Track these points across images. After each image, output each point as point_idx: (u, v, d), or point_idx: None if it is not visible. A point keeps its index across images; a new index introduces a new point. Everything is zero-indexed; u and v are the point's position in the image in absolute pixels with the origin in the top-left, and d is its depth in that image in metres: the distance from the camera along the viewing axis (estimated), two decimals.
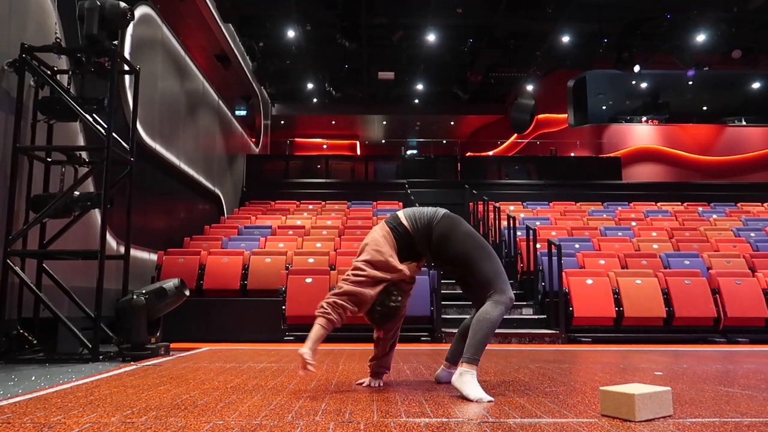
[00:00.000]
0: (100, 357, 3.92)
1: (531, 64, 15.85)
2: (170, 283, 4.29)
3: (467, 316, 2.91)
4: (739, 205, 12.04)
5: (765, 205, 11.96)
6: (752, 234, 8.83)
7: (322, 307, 2.53)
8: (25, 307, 4.32)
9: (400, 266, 2.59)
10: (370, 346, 2.87)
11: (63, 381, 2.91)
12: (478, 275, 2.57)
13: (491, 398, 2.35)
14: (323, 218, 10.35)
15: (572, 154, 17.16)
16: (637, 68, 13.97)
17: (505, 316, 2.56)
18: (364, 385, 2.73)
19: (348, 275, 2.59)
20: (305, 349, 2.43)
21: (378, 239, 2.62)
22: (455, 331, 2.92)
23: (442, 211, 2.68)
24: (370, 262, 2.57)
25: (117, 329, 4.31)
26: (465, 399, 2.34)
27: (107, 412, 2.05)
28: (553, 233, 8.67)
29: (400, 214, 2.70)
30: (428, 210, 2.69)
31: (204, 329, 5.99)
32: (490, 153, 20.25)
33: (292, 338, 5.80)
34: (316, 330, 2.49)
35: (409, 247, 2.63)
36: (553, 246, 6.27)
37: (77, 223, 4.60)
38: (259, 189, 13.39)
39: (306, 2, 12.20)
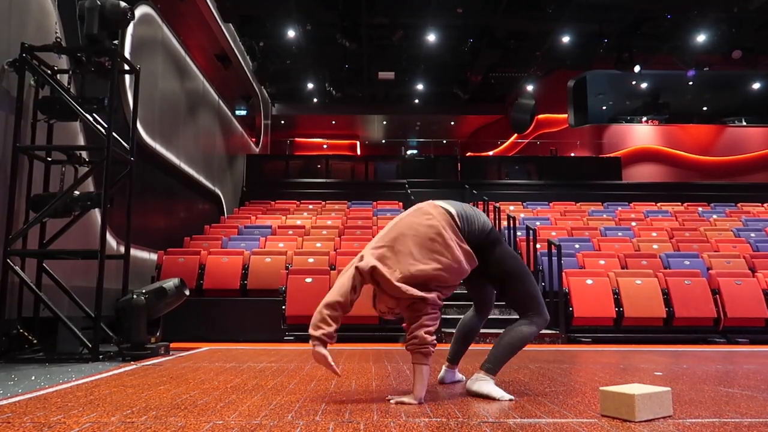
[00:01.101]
0: (100, 357, 3.92)
1: (531, 64, 15.85)
2: (170, 283, 4.29)
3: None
4: (739, 205, 12.04)
5: (765, 205, 11.96)
6: (752, 234, 8.83)
7: (424, 344, 2.22)
8: (25, 307, 4.32)
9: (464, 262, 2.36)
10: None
11: (63, 381, 2.91)
12: (519, 296, 2.50)
13: (510, 396, 2.36)
14: (323, 218, 10.35)
15: (572, 154, 17.16)
16: (637, 68, 13.97)
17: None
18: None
19: (428, 299, 2.24)
20: (420, 397, 2.22)
21: (448, 239, 2.30)
22: (455, 331, 2.93)
23: (489, 222, 2.54)
24: (441, 276, 2.27)
25: (117, 329, 4.31)
26: (488, 398, 2.34)
27: (107, 411, 2.05)
28: (553, 233, 8.67)
29: (448, 206, 2.47)
30: (478, 214, 2.51)
31: (204, 329, 5.99)
32: (491, 153, 20.25)
33: (292, 338, 5.81)
34: (425, 372, 2.25)
35: None
36: (553, 246, 6.27)
37: (77, 222, 4.60)
38: (259, 189, 13.39)
39: (306, 2, 12.20)
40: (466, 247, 2.36)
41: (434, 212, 2.42)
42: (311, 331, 2.29)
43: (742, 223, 9.96)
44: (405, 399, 2.24)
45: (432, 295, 2.25)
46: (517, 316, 2.58)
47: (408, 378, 3.03)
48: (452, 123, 21.85)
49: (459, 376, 2.86)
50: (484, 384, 2.40)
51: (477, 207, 10.57)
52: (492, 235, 2.48)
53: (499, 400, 2.31)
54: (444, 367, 2.86)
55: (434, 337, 2.26)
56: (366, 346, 5.02)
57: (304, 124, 21.18)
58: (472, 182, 12.69)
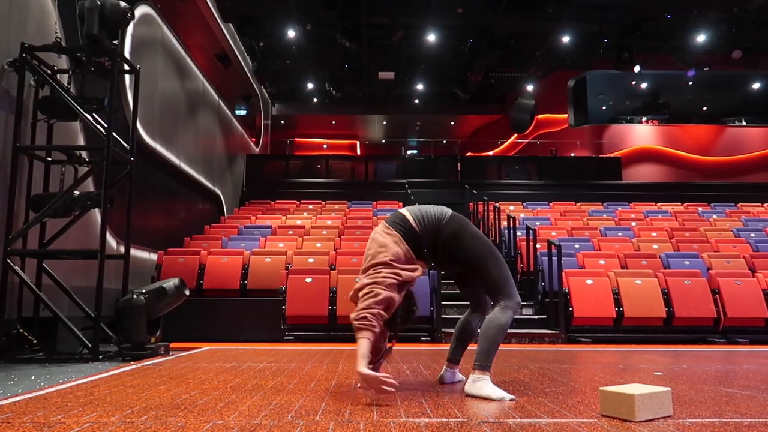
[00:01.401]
0: (100, 356, 3.92)
1: (531, 64, 15.85)
2: (170, 283, 4.29)
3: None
4: (739, 205, 12.04)
5: (765, 205, 11.95)
6: (752, 234, 8.83)
7: (366, 318, 2.32)
8: (25, 307, 4.32)
9: (418, 264, 2.53)
10: None
11: (63, 380, 2.91)
12: (488, 279, 2.54)
13: (512, 396, 2.36)
14: (323, 218, 10.35)
15: (572, 154, 17.16)
16: (637, 68, 13.97)
17: None
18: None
19: (377, 278, 2.40)
20: (364, 369, 2.24)
21: (388, 243, 2.49)
22: (453, 330, 2.95)
23: (448, 210, 2.62)
24: (393, 264, 2.44)
25: (117, 329, 4.31)
26: (488, 399, 2.34)
27: (107, 411, 2.05)
28: (553, 233, 8.67)
29: (405, 212, 2.60)
30: (435, 209, 2.61)
31: (204, 329, 5.99)
32: (490, 153, 20.25)
33: (291, 338, 5.81)
34: (365, 345, 2.29)
35: (414, 246, 2.53)
36: (553, 246, 6.27)
37: (77, 222, 4.60)
38: (259, 189, 13.38)
39: (306, 2, 12.20)
40: (406, 247, 2.50)
41: (377, 230, 2.60)
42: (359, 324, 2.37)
43: (742, 223, 9.96)
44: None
45: (386, 275, 2.38)
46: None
47: (409, 378, 3.03)
48: (452, 123, 21.85)
49: (459, 376, 2.86)
50: (483, 385, 2.41)
51: (477, 207, 10.53)
52: (452, 222, 2.54)
53: (499, 401, 2.32)
54: (444, 367, 2.86)
55: (373, 313, 2.32)
56: None
57: (304, 124, 21.18)
58: (472, 182, 12.69)
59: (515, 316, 2.61)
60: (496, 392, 2.36)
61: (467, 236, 2.54)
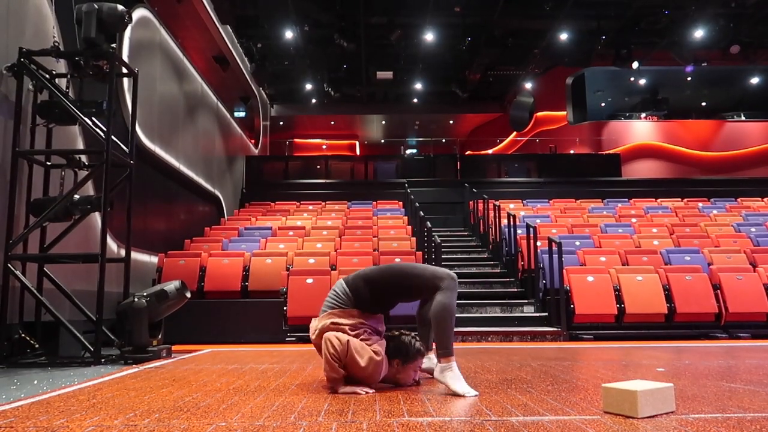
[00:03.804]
0: (102, 360, 3.93)
1: (529, 62, 15.84)
2: (171, 286, 4.29)
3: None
4: (739, 200, 12.03)
5: (765, 199, 11.95)
6: (753, 229, 8.83)
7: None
8: (26, 311, 4.32)
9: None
10: None
11: (65, 384, 2.91)
12: (417, 287, 2.72)
13: (475, 393, 2.44)
14: (323, 219, 10.35)
15: (572, 152, 17.16)
16: (635, 65, 13.96)
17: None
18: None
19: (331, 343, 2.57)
20: (342, 390, 2.53)
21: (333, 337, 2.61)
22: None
23: (340, 280, 2.79)
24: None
25: (118, 332, 4.31)
26: (453, 395, 2.41)
27: (110, 415, 2.05)
28: (554, 231, 8.67)
29: (324, 316, 2.71)
30: (331, 292, 2.77)
31: (205, 331, 5.99)
32: (490, 151, 20.24)
33: (293, 339, 5.81)
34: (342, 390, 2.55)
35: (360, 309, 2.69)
36: (553, 243, 6.27)
37: (77, 226, 4.60)
38: (259, 190, 13.39)
39: (304, 3, 12.19)
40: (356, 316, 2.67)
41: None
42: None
43: (742, 218, 9.95)
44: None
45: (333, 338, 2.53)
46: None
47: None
48: (451, 122, 21.84)
49: (434, 360, 2.88)
50: (451, 374, 2.49)
51: (476, 205, 10.51)
52: (353, 284, 2.71)
53: (464, 396, 2.39)
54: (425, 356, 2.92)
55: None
56: None
57: (303, 124, 21.17)
58: (471, 181, 12.69)
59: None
60: (462, 388, 2.44)
61: (374, 279, 2.71)
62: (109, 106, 4.32)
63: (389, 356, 2.63)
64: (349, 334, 2.57)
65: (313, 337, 2.69)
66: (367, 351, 2.52)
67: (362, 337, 2.58)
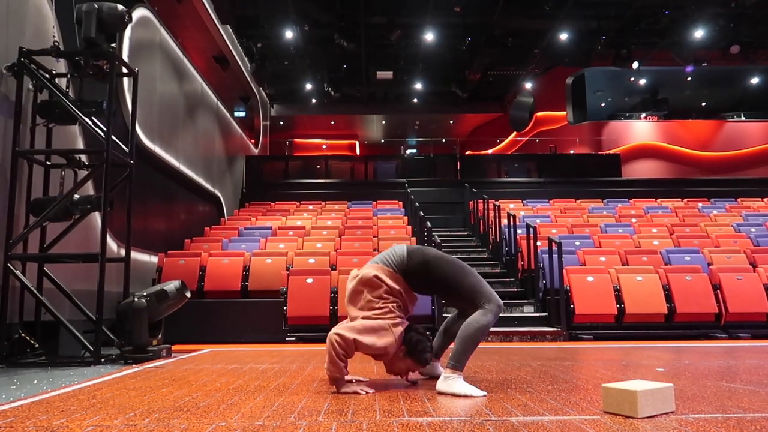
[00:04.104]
0: (102, 360, 3.93)
1: (529, 62, 15.83)
2: (171, 285, 4.29)
3: None
4: (739, 200, 12.04)
5: (765, 200, 11.95)
6: (752, 229, 8.83)
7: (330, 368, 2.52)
8: (26, 311, 4.32)
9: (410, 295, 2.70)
10: None
11: (65, 384, 2.91)
12: (465, 292, 2.65)
13: (483, 393, 2.41)
14: (323, 218, 10.35)
15: (572, 152, 17.16)
16: (635, 65, 13.96)
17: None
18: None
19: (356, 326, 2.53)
20: (344, 389, 2.53)
21: (383, 277, 2.61)
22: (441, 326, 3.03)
23: (403, 246, 2.74)
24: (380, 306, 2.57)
25: (118, 332, 4.31)
26: (459, 396, 2.39)
27: (110, 414, 2.05)
28: (554, 231, 8.67)
29: (369, 264, 2.70)
30: (389, 252, 2.73)
31: (205, 331, 5.99)
32: (490, 151, 20.25)
33: (293, 339, 5.80)
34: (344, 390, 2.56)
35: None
36: (553, 243, 6.27)
37: (77, 226, 4.60)
38: (259, 190, 13.39)
39: (304, 3, 12.18)
40: (400, 278, 2.64)
41: (358, 271, 2.71)
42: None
43: (742, 218, 9.96)
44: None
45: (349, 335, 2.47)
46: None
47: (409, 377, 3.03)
48: (451, 122, 21.84)
49: (439, 369, 2.88)
50: (453, 382, 2.47)
51: (476, 205, 10.53)
52: (414, 255, 2.67)
53: (472, 397, 2.37)
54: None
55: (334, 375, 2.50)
56: None
57: (303, 124, 21.17)
58: (471, 181, 12.70)
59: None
60: (466, 389, 2.42)
61: (433, 263, 2.66)
62: (109, 105, 4.32)
63: (403, 341, 2.61)
64: (384, 298, 2.55)
65: (351, 284, 2.65)
66: (387, 333, 2.50)
67: (391, 307, 2.55)
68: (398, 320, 2.56)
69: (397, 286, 2.60)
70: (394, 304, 2.58)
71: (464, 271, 2.68)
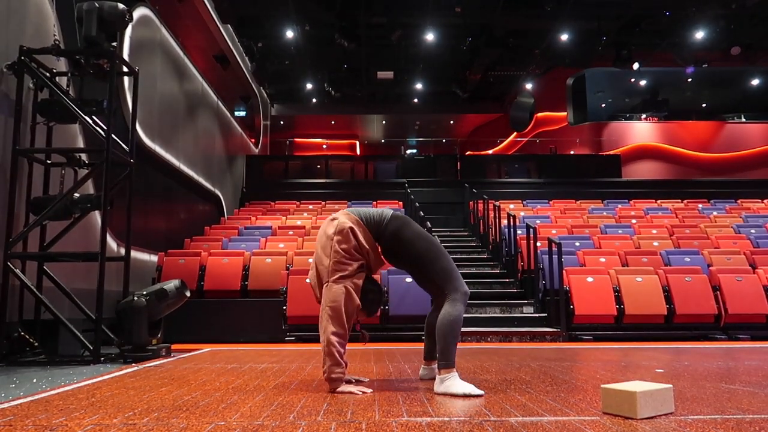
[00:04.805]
0: (102, 359, 3.92)
1: (530, 63, 15.84)
2: (171, 285, 4.29)
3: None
4: (739, 201, 12.04)
5: (765, 201, 11.95)
6: (752, 231, 8.83)
7: (328, 373, 2.52)
8: (26, 310, 4.32)
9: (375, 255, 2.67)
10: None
11: (64, 383, 2.91)
12: (432, 274, 2.64)
13: (481, 391, 2.41)
14: (323, 218, 10.34)
15: (572, 152, 17.17)
16: (636, 66, 13.97)
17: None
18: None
19: (329, 301, 2.53)
20: (342, 389, 2.52)
21: (355, 230, 2.59)
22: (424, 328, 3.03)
23: (389, 211, 2.72)
24: (345, 269, 2.55)
25: (118, 331, 4.31)
26: (459, 396, 2.39)
27: (109, 413, 2.05)
28: (554, 231, 8.67)
29: (350, 212, 2.67)
30: (375, 211, 2.70)
31: (205, 330, 5.99)
32: (490, 152, 20.25)
33: (293, 338, 5.81)
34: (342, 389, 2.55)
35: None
36: (553, 244, 6.27)
37: (77, 225, 4.60)
38: (259, 189, 13.39)
39: (304, 2, 12.19)
40: (370, 237, 2.61)
41: (337, 216, 2.68)
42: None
43: (742, 220, 9.96)
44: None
45: (338, 285, 2.48)
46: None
47: (409, 377, 3.03)
48: (451, 122, 21.84)
49: (436, 371, 2.87)
50: (450, 383, 2.47)
51: (476, 205, 10.51)
52: (393, 222, 2.64)
53: (470, 396, 2.37)
54: (422, 366, 2.94)
55: (332, 350, 2.48)
56: (367, 345, 5.02)
57: (304, 124, 21.18)
58: (471, 181, 12.70)
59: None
60: (463, 388, 2.42)
61: (408, 234, 2.64)
62: (109, 104, 4.32)
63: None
64: (350, 254, 2.54)
65: (327, 227, 2.64)
66: (351, 297, 2.51)
67: (354, 267, 2.54)
68: (356, 275, 2.55)
69: (367, 246, 2.58)
70: (358, 263, 2.56)
71: (438, 253, 2.65)
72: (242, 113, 17.14)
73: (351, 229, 2.57)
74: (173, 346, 4.55)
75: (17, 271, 4.08)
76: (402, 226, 2.65)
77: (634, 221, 9.80)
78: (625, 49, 13.68)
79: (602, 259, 7.06)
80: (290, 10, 12.28)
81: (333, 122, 21.25)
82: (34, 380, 3.04)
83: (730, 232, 8.83)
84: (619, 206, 11.54)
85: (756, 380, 2.87)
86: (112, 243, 5.80)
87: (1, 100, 4.16)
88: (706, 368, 3.39)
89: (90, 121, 4.38)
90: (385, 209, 2.73)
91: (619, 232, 8.84)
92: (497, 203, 9.33)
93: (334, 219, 2.64)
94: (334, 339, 2.46)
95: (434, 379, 2.81)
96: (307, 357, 4.12)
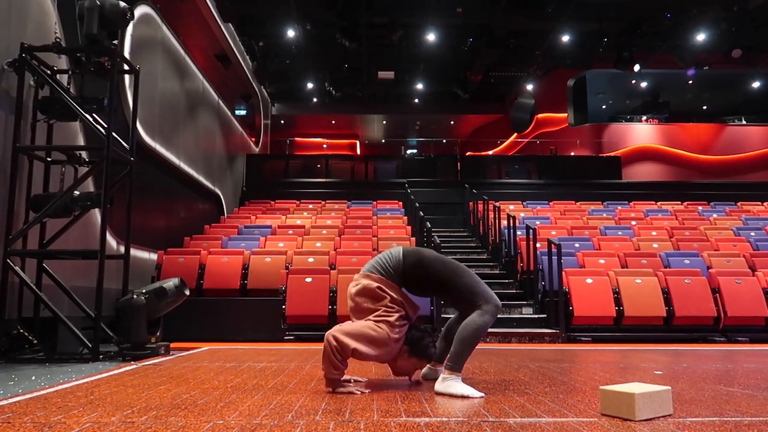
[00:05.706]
0: (100, 356, 3.92)
1: (531, 64, 15.84)
2: (170, 283, 4.29)
3: None
4: (739, 204, 12.04)
5: (765, 204, 11.96)
6: (752, 233, 8.83)
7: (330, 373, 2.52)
8: (25, 307, 4.32)
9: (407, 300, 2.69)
10: None
11: (63, 380, 2.91)
12: (462, 292, 2.65)
13: (481, 394, 2.41)
14: (323, 218, 10.35)
15: (572, 154, 17.16)
16: (637, 67, 13.96)
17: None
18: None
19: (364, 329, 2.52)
20: (339, 389, 2.52)
21: (382, 288, 2.63)
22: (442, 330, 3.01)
23: (399, 248, 2.74)
24: (383, 311, 2.58)
25: (117, 329, 4.31)
26: (457, 397, 2.39)
27: (107, 411, 2.05)
28: (553, 233, 8.67)
29: (368, 273, 2.69)
30: (384, 255, 2.74)
31: (204, 329, 5.98)
32: (490, 152, 20.24)
33: (292, 338, 5.80)
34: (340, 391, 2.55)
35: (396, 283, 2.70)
36: (553, 245, 6.27)
37: (77, 222, 4.60)
38: (259, 188, 13.39)
39: (306, 2, 12.19)
40: (394, 285, 2.66)
41: (360, 281, 2.70)
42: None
43: (742, 222, 9.96)
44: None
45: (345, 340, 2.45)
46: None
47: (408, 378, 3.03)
48: (452, 122, 21.84)
49: (439, 371, 2.88)
50: (451, 383, 2.47)
51: (476, 206, 10.51)
52: (408, 258, 2.68)
53: (470, 398, 2.37)
54: (427, 365, 2.92)
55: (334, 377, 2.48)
56: None
57: (304, 123, 21.17)
58: (471, 182, 12.69)
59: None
60: (463, 390, 2.42)
61: (425, 263, 2.68)
62: (110, 102, 4.32)
63: (405, 341, 2.63)
64: (388, 308, 2.56)
65: (353, 289, 2.65)
66: (386, 344, 2.50)
67: (395, 317, 2.55)
68: (397, 328, 2.56)
69: (399, 297, 2.62)
70: (398, 314, 2.58)
71: (460, 271, 2.68)
72: (243, 112, 17.13)
73: (379, 288, 2.60)
74: (172, 345, 4.56)
75: (17, 268, 4.08)
76: (418, 257, 2.69)
77: (633, 223, 9.80)
78: (626, 51, 13.68)
79: (602, 261, 7.06)
80: (291, 9, 12.28)
81: (333, 122, 21.24)
82: (33, 378, 3.04)
83: (730, 235, 8.83)
84: (619, 208, 11.54)
85: (754, 383, 2.87)
86: (111, 241, 5.80)
87: (2, 98, 4.16)
88: (704, 370, 3.39)
89: (90, 119, 4.38)
90: (392, 249, 2.75)
91: (619, 233, 8.84)
92: (497, 204, 9.33)
93: (357, 284, 2.67)
94: (332, 340, 2.41)
95: (436, 379, 2.82)
96: (305, 356, 4.12)
